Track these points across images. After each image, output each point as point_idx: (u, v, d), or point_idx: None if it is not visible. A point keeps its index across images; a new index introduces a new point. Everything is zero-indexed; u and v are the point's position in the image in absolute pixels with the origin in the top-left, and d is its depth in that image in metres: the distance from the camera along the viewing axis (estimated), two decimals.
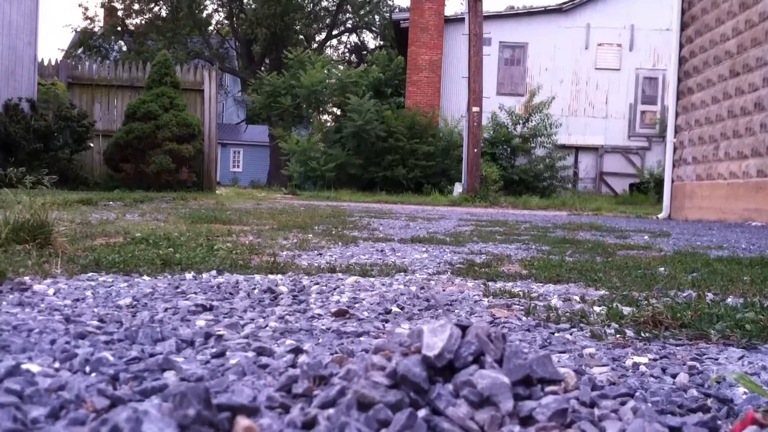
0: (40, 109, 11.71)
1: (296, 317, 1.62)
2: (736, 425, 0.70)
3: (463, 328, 0.85)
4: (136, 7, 33.56)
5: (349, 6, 36.83)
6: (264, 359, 1.04)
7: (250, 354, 1.08)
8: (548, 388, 0.78)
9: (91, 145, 12.81)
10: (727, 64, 9.78)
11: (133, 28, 33.50)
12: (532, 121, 19.69)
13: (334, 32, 38.40)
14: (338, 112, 23.50)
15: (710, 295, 2.09)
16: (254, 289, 2.02)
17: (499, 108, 19.81)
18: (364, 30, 38.24)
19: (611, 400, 0.81)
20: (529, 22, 21.46)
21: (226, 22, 36.08)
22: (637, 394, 0.88)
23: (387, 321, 1.66)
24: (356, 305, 1.84)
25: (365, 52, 35.88)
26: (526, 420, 0.71)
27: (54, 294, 1.78)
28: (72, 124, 11.92)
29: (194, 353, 1.11)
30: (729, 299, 1.99)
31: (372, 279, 2.43)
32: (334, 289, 2.13)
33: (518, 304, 1.95)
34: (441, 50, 20.90)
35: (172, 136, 12.09)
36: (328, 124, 22.88)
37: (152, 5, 33.65)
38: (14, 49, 11.56)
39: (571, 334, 1.57)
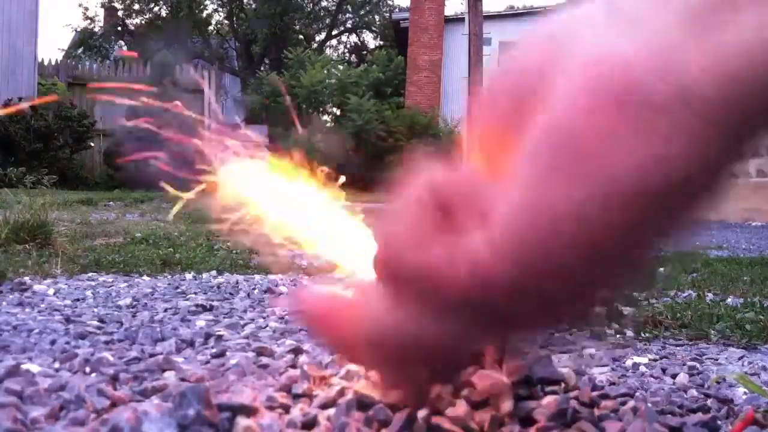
0: (40, 109, 11.71)
1: None
2: (736, 425, 0.71)
3: None
4: (136, 7, 33.56)
5: (349, 6, 36.81)
6: (264, 359, 1.04)
7: (250, 354, 1.08)
8: (548, 388, 0.78)
9: (92, 144, 12.80)
10: None
11: (133, 28, 33.50)
12: None
13: (334, 32, 38.36)
14: (338, 112, 23.47)
15: (710, 295, 2.09)
16: (254, 289, 2.02)
17: None
18: (364, 30, 38.23)
19: (611, 400, 0.81)
20: (529, 22, 21.38)
21: (226, 22, 36.07)
22: (637, 394, 0.88)
23: None
24: None
25: (365, 52, 35.84)
26: (526, 420, 0.71)
27: (54, 294, 1.78)
28: (72, 124, 11.92)
29: (194, 353, 1.11)
30: (729, 299, 2.00)
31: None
32: None
33: None
34: (441, 50, 20.89)
35: None
36: (328, 124, 22.86)
37: (152, 5, 33.64)
38: (14, 49, 11.55)
39: (571, 334, 1.57)
